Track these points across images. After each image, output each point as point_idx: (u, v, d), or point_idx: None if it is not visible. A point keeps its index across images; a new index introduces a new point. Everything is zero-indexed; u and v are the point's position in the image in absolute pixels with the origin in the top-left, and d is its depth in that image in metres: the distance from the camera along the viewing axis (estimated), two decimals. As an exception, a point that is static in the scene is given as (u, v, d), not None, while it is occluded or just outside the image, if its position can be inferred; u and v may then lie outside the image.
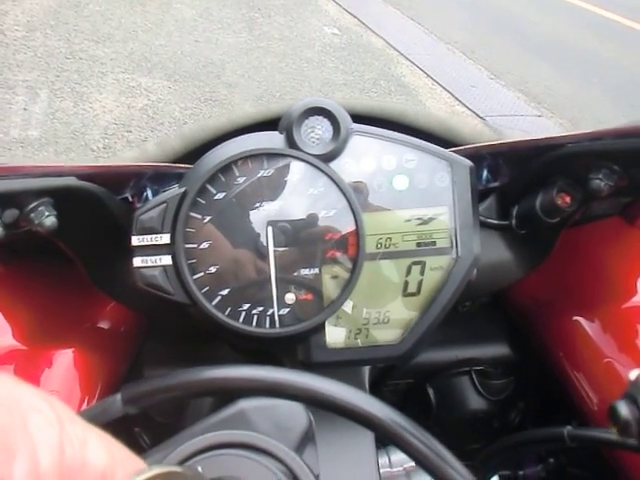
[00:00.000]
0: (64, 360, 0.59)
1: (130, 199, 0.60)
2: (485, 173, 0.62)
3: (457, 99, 4.11)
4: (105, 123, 3.22)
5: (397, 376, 0.70)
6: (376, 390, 0.71)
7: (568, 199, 0.54)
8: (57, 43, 4.03)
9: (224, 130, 0.63)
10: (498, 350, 0.69)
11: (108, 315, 0.66)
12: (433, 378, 0.70)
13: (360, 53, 4.64)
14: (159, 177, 0.60)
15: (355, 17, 5.42)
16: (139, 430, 0.70)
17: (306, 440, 0.38)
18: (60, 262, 0.59)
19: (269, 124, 0.62)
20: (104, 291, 0.60)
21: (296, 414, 0.37)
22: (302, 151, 0.52)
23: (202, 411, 0.68)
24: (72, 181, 0.48)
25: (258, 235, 0.52)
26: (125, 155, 0.68)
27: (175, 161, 0.67)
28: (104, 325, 0.66)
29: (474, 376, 0.69)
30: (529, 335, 0.69)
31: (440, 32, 5.39)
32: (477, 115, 3.90)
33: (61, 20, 4.39)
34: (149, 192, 0.60)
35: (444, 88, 4.24)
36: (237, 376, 0.36)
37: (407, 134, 0.56)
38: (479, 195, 0.57)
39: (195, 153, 0.63)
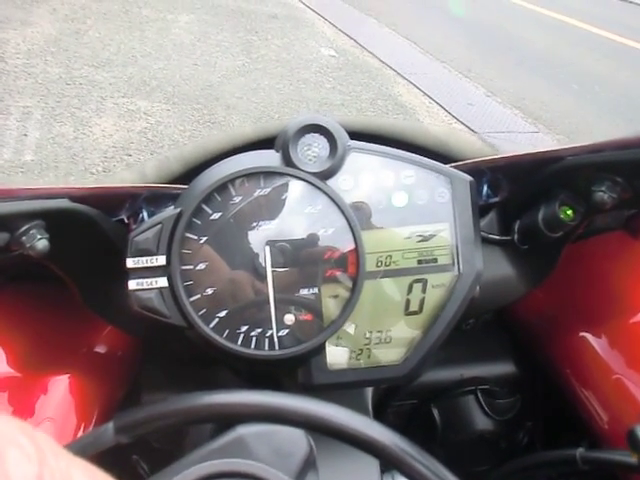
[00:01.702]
0: (59, 387, 0.58)
1: (126, 220, 0.59)
2: (485, 188, 0.61)
3: (454, 117, 4.13)
4: (105, 147, 3.23)
5: (401, 397, 0.68)
6: (380, 412, 0.69)
7: (571, 212, 0.53)
8: (57, 69, 4.07)
9: (220, 150, 0.63)
10: (504, 368, 0.68)
11: (104, 340, 0.65)
12: (438, 398, 0.68)
13: (357, 73, 4.67)
14: (155, 198, 0.59)
15: (351, 38, 5.48)
16: (137, 458, 0.69)
17: (307, 467, 0.36)
18: (55, 287, 0.58)
19: (265, 143, 0.61)
20: (99, 315, 0.59)
21: (296, 440, 0.36)
22: (299, 169, 0.51)
23: (203, 437, 0.67)
24: (65, 203, 0.48)
25: (256, 255, 0.51)
26: (121, 176, 0.68)
27: (171, 182, 0.67)
28: (100, 350, 0.64)
29: (480, 395, 0.68)
30: (535, 352, 0.67)
31: (436, 51, 5.43)
32: (474, 132, 3.92)
33: (61, 47, 4.43)
34: (145, 213, 0.60)
35: (441, 106, 4.27)
36: (235, 402, 0.34)
37: (405, 150, 0.55)
38: (480, 211, 0.56)
39: (191, 174, 0.62)
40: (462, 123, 4.05)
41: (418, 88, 4.52)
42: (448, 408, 0.68)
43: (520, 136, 3.90)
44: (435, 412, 0.68)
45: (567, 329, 0.64)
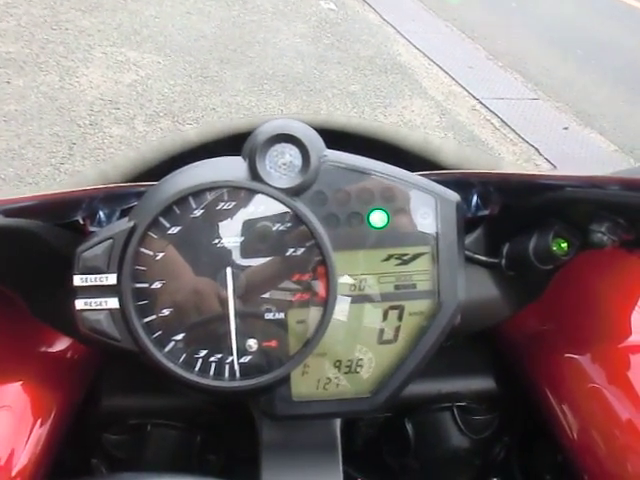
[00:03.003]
0: (10, 394, 0.54)
1: (81, 222, 0.54)
2: (475, 199, 0.57)
3: (454, 79, 4.03)
4: (92, 99, 3.12)
5: None
6: (351, 423, 0.66)
7: (565, 246, 0.49)
8: (42, 12, 3.90)
9: (188, 145, 0.57)
10: (483, 384, 0.65)
11: (60, 343, 0.61)
12: (412, 413, 0.65)
13: (356, 30, 4.51)
14: (113, 198, 0.54)
15: (352, -10, 5.28)
16: (97, 462, 0.66)
17: None
18: (1, 291, 0.54)
19: (237, 139, 0.56)
20: (50, 326, 0.54)
21: None
22: (266, 184, 0.46)
23: (162, 447, 0.64)
24: None
25: (217, 275, 0.47)
26: (81, 176, 0.62)
27: (145, 175, 0.62)
28: (55, 355, 0.61)
29: (456, 412, 0.64)
30: (517, 370, 0.64)
31: (439, 9, 5.26)
32: (473, 97, 3.82)
33: (47, -13, 4.24)
34: (101, 214, 0.55)
35: (440, 68, 4.15)
36: None
37: (384, 152, 0.50)
38: (466, 225, 0.52)
39: (166, 167, 0.57)
40: (461, 86, 3.94)
41: (418, 48, 4.38)
42: (422, 424, 0.65)
43: (519, 103, 3.81)
44: (409, 427, 0.65)
45: (552, 348, 0.60)
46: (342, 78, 3.74)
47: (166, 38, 3.89)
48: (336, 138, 0.50)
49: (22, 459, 0.51)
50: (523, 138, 3.38)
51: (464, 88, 3.92)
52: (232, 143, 0.64)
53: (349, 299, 0.48)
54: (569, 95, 3.99)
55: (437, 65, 4.18)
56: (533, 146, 3.30)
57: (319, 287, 0.47)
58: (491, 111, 3.65)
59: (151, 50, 3.69)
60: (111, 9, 4.13)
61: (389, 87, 3.74)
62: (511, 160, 3.13)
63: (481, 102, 3.76)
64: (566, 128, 3.57)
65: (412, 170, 0.49)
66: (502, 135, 3.42)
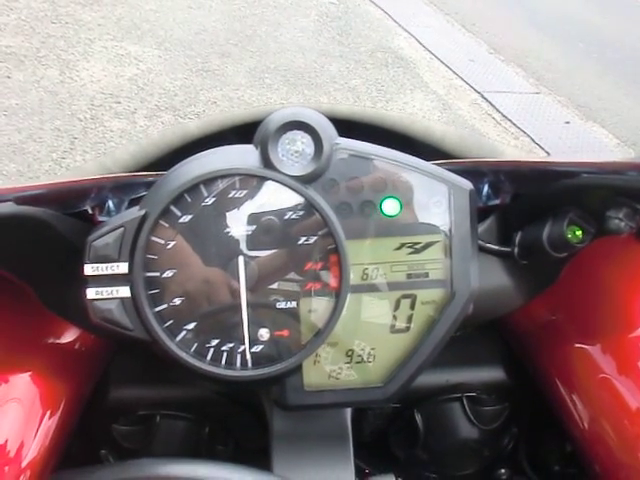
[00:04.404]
0: (20, 385, 0.54)
1: (90, 211, 0.53)
2: (486, 188, 0.56)
3: (455, 73, 4.01)
4: (92, 93, 3.11)
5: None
6: (360, 414, 0.66)
7: (580, 233, 0.48)
8: (42, 5, 3.88)
9: (189, 137, 0.57)
10: (493, 374, 0.64)
11: (69, 333, 0.61)
12: (421, 403, 0.65)
13: (357, 23, 4.50)
14: (122, 187, 0.54)
15: (353, -16, 5.26)
16: (106, 452, 0.66)
17: None
18: (11, 282, 0.53)
19: (238, 130, 0.55)
20: (61, 317, 0.54)
21: None
22: (278, 172, 0.45)
23: (171, 437, 0.64)
24: (8, 208, 0.42)
25: (228, 263, 0.46)
26: (87, 166, 0.62)
27: (147, 168, 0.61)
28: (65, 344, 0.60)
29: (465, 403, 0.64)
30: (527, 360, 0.64)
31: (440, 2, 5.24)
32: (475, 90, 3.81)
33: (47, -19, 4.22)
34: (110, 203, 0.54)
35: (442, 62, 4.14)
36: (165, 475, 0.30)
37: (389, 140, 0.50)
38: (478, 213, 0.51)
39: (168, 159, 0.57)
40: (462, 80, 3.93)
41: (419, 42, 4.36)
42: (432, 414, 0.65)
43: (520, 97, 3.80)
44: (418, 417, 0.65)
45: (563, 338, 0.60)
46: (343, 72, 3.73)
47: (167, 32, 3.87)
48: (340, 127, 0.50)
49: (32, 450, 0.51)
50: (524, 132, 3.37)
51: (465, 82, 3.91)
52: (233, 134, 0.64)
53: (361, 288, 0.48)
54: (571, 89, 3.98)
55: (438, 59, 4.16)
56: (534, 140, 3.30)
57: (331, 276, 0.47)
58: (492, 105, 3.64)
59: (152, 44, 3.68)
60: (111, 3, 4.12)
61: (390, 81, 3.73)
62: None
63: (482, 96, 3.75)
64: (568, 122, 3.56)
65: (417, 157, 0.49)
66: (503, 129, 3.41)
